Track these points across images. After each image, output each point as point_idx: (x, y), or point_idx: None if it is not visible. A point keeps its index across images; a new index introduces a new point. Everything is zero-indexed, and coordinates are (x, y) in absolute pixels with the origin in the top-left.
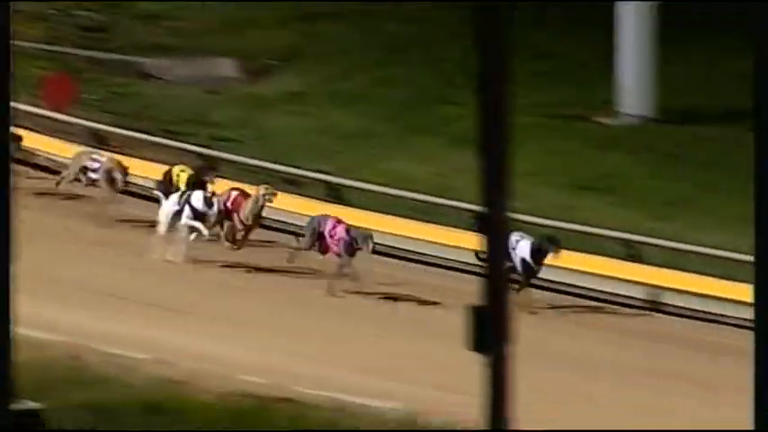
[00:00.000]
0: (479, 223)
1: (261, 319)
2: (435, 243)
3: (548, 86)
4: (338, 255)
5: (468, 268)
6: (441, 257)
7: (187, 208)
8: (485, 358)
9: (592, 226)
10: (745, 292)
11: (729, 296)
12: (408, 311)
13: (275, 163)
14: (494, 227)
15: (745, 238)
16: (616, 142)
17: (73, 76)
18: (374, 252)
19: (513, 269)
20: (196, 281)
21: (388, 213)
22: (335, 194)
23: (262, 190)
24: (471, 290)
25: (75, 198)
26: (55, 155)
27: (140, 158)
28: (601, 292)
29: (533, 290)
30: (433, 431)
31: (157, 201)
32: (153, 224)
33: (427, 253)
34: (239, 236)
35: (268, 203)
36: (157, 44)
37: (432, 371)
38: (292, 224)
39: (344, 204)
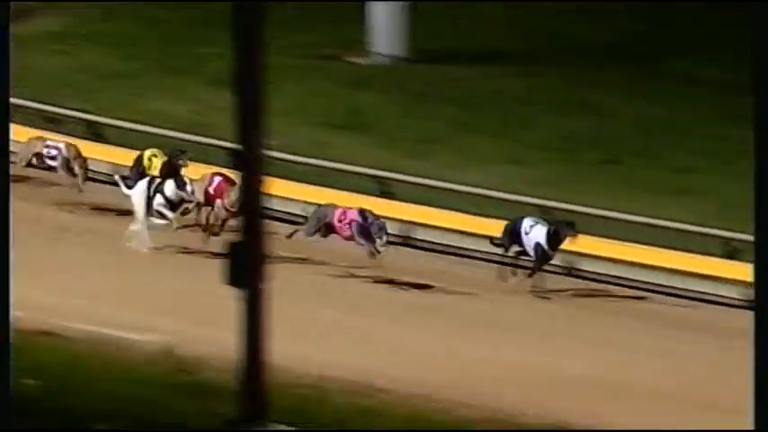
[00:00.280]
0: (235, 160)
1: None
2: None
3: (304, 28)
4: (349, 238)
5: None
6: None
7: (159, 196)
8: (240, 293)
9: (345, 163)
10: (494, 226)
11: (480, 231)
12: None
13: (36, 102)
14: (249, 164)
15: (494, 176)
16: (369, 82)
17: None
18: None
19: (524, 253)
20: None
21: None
22: (95, 133)
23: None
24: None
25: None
26: None
27: None
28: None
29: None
30: (185, 361)
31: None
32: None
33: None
34: (220, 222)
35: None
36: None
37: (196, 308)
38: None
39: (105, 142)
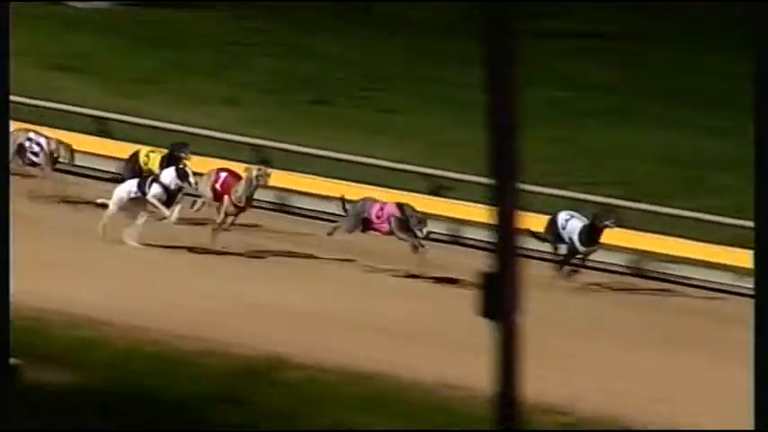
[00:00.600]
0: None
1: None
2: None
3: None
4: (389, 233)
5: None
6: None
7: (155, 185)
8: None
9: (68, 104)
10: (213, 164)
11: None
12: None
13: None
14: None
15: (209, 116)
16: (88, 25)
17: None
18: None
19: (574, 250)
20: None
21: None
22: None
23: (254, 171)
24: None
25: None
26: None
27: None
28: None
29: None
30: None
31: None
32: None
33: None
34: (230, 219)
35: (261, 184)
36: None
37: None
38: None
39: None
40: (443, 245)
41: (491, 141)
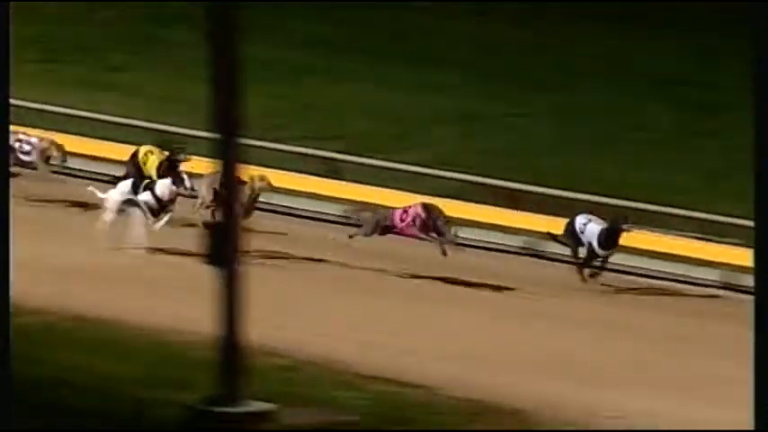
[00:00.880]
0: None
1: None
2: None
3: None
4: (413, 236)
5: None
6: None
7: (147, 193)
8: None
9: None
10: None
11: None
12: None
13: None
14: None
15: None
16: None
17: None
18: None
19: (593, 253)
20: None
21: None
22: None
23: (257, 179)
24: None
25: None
26: None
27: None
28: None
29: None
30: None
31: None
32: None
33: None
34: None
35: (261, 191)
36: None
37: None
38: None
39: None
40: None
41: (214, 98)
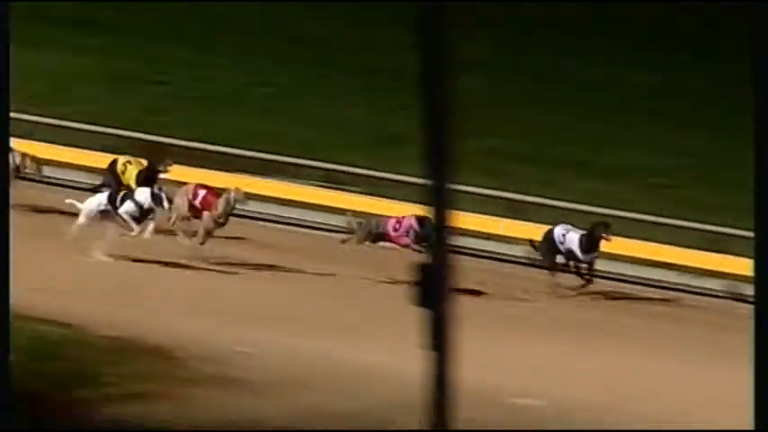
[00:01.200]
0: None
1: None
2: None
3: None
4: (406, 246)
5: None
6: None
7: (129, 202)
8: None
9: None
10: None
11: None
12: None
13: None
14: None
15: None
16: None
17: None
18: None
19: (574, 261)
20: None
21: None
22: None
23: (233, 191)
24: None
25: None
26: None
27: None
28: None
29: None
30: None
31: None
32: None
33: None
34: (207, 233)
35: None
36: None
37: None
38: None
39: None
40: None
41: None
